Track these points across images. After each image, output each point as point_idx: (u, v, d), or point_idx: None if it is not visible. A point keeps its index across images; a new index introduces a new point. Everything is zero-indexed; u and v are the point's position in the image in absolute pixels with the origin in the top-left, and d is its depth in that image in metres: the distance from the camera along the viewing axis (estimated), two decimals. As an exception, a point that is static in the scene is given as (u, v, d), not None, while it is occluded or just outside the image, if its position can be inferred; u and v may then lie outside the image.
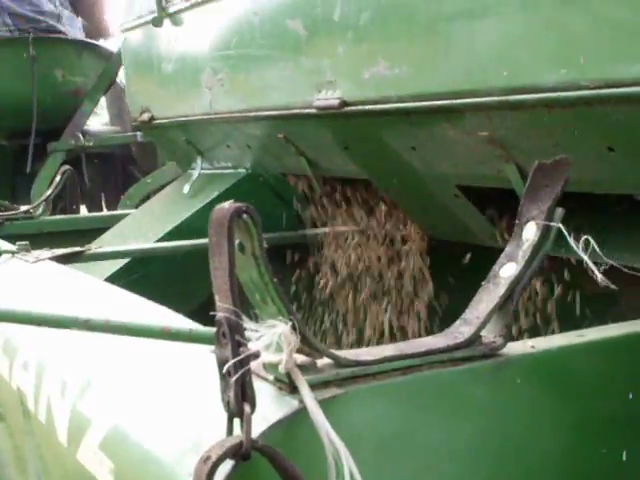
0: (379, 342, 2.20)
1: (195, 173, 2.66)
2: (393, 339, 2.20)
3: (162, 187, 4.93)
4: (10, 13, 4.80)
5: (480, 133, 1.43)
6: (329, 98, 1.72)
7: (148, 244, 2.40)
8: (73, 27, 5.10)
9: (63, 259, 2.11)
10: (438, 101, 1.45)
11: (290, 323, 0.85)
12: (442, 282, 2.07)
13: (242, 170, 2.53)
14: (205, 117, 2.33)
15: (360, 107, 1.64)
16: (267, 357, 0.84)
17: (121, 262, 2.47)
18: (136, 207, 4.68)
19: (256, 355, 0.82)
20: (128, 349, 1.19)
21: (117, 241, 2.71)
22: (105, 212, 5.02)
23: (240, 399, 0.81)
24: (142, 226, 2.73)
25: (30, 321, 0.96)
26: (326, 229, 2.44)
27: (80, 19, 5.26)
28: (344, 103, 1.67)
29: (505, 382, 0.99)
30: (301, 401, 0.85)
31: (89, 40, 5.25)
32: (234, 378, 0.81)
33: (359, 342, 2.30)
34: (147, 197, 4.79)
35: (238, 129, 2.25)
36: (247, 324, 0.83)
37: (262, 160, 2.35)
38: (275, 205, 2.54)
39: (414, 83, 1.48)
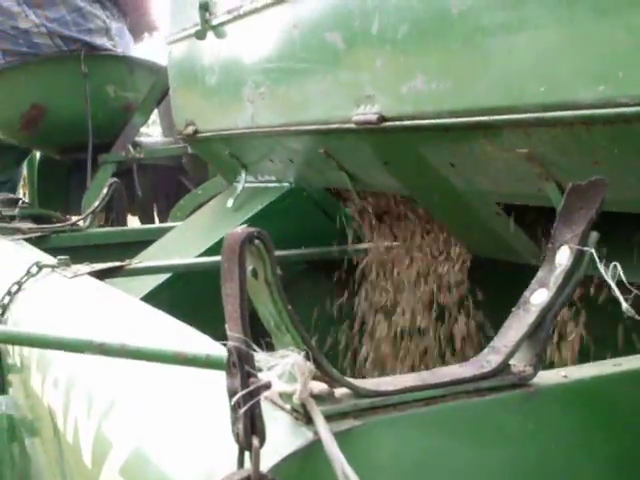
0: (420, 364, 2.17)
1: (239, 186, 2.65)
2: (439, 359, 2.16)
3: (212, 199, 4.97)
4: (59, 36, 4.87)
5: (519, 150, 1.39)
6: (367, 113, 1.69)
7: (189, 259, 2.40)
8: (123, 39, 5.15)
9: (102, 274, 2.12)
10: (475, 117, 1.41)
11: (304, 352, 0.82)
12: (486, 301, 2.03)
13: (286, 184, 2.52)
14: (247, 131, 2.32)
15: (398, 122, 1.61)
16: (281, 387, 0.82)
17: (162, 277, 2.46)
18: (186, 219, 4.71)
19: (267, 386, 0.80)
20: (154, 369, 1.17)
21: (160, 255, 2.71)
22: (151, 225, 5.03)
23: (249, 432, 0.78)
24: (185, 240, 2.74)
25: (44, 344, 0.95)
26: (369, 244, 2.41)
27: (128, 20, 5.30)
28: (382, 118, 1.64)
29: (535, 413, 0.95)
30: (316, 433, 0.82)
31: (141, 57, 5.30)
32: (243, 410, 0.79)
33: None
34: (197, 208, 4.81)
35: (280, 143, 2.24)
36: (258, 354, 0.81)
37: (305, 174, 2.34)
38: (319, 219, 2.52)
39: (451, 98, 1.45)
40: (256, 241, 0.82)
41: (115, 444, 1.14)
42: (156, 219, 5.71)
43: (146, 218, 5.68)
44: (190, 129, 2.70)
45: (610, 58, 1.16)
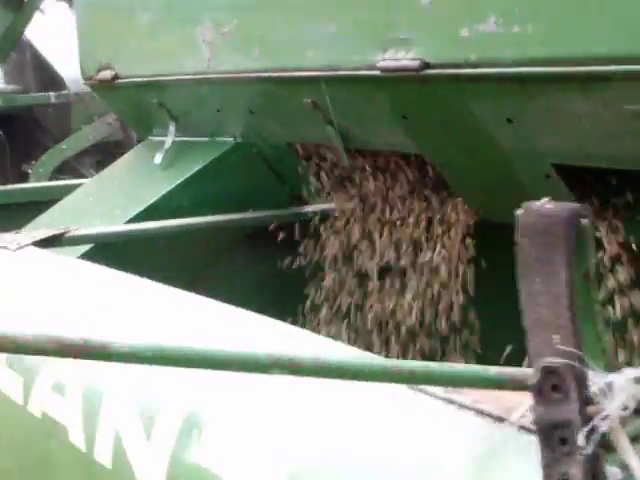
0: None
1: (168, 140, 2.37)
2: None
3: (79, 153, 4.61)
4: None
5: (627, 107, 1.24)
6: (401, 59, 1.50)
7: (143, 224, 2.12)
8: None
9: (44, 244, 1.82)
10: (576, 67, 1.25)
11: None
12: (487, 269, 1.89)
13: (229, 139, 2.27)
14: (198, 77, 2.06)
15: (450, 70, 1.43)
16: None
17: (84, 247, 2.16)
18: (51, 176, 4.33)
19: (616, 420, 0.61)
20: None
21: (71, 219, 2.39)
22: (28, 184, 4.56)
23: (590, 484, 0.60)
24: (103, 202, 2.43)
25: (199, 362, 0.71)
26: (327, 206, 2.22)
27: None
28: (425, 65, 1.46)
29: None
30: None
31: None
32: (583, 452, 0.60)
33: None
34: (62, 165, 4.45)
35: (243, 92, 2.00)
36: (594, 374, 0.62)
37: (265, 128, 2.11)
38: (268, 180, 2.31)
39: (544, 45, 1.28)
40: (583, 221, 0.63)
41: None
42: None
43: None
44: (107, 74, 2.39)
45: None
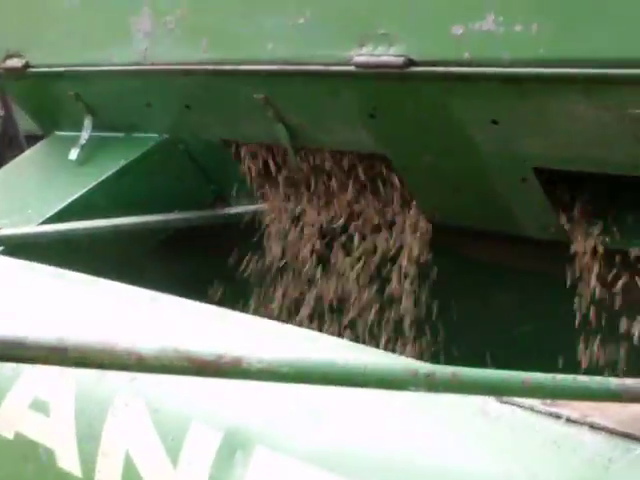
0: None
1: (84, 135, 2.24)
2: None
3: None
4: None
5: (632, 110, 1.24)
6: (381, 55, 1.46)
7: (71, 223, 2.02)
8: None
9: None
10: (580, 69, 1.25)
11: None
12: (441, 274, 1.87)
13: (152, 135, 2.18)
14: (130, 68, 1.95)
15: (438, 69, 1.40)
16: None
17: None
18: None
19: None
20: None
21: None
22: None
23: None
24: (10, 200, 2.27)
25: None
26: (258, 206, 2.15)
27: None
28: (410, 62, 1.42)
29: None
30: None
31: None
32: None
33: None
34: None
35: (182, 86, 1.91)
36: None
37: (201, 124, 2.02)
38: (194, 179, 2.22)
39: (548, 46, 1.27)
40: None
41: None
42: None
43: None
44: (15, 62, 2.23)
45: None
